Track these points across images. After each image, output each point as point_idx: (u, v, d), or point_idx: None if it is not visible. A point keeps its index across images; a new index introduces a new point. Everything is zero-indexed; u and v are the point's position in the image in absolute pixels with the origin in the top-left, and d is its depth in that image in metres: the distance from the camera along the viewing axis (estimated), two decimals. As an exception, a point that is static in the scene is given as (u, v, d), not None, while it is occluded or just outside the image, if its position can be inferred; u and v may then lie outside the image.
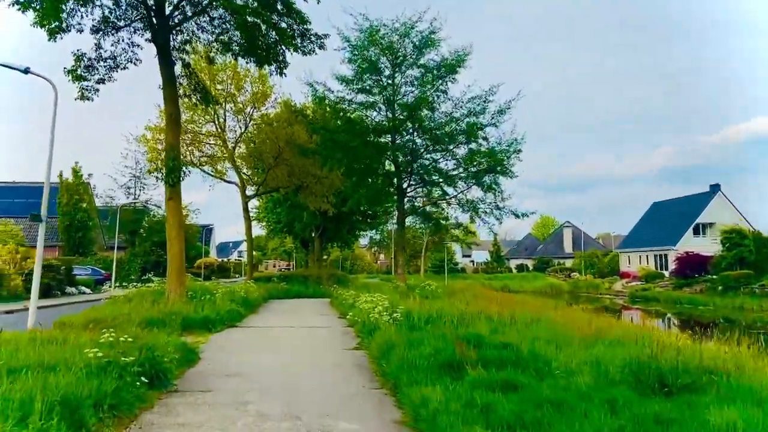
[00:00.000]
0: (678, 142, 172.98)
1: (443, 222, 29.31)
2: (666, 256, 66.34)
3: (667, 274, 62.63)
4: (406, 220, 31.34)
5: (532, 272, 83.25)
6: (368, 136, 27.84)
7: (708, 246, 63.91)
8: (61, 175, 47.71)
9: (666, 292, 54.30)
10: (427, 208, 29.75)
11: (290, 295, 32.24)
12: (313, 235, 44.77)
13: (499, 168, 26.47)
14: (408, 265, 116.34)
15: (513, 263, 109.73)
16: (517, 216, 27.92)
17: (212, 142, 32.65)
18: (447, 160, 27.95)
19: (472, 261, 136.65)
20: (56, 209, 47.45)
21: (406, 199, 28.37)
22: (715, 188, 66.87)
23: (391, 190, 28.86)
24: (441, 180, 27.82)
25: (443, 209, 28.32)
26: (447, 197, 28.07)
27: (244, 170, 33.79)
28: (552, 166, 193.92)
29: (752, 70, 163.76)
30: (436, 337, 9.95)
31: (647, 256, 70.50)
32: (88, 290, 35.47)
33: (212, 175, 33.67)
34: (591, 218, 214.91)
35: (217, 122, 31.84)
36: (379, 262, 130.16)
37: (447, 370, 7.85)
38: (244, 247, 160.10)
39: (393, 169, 28.72)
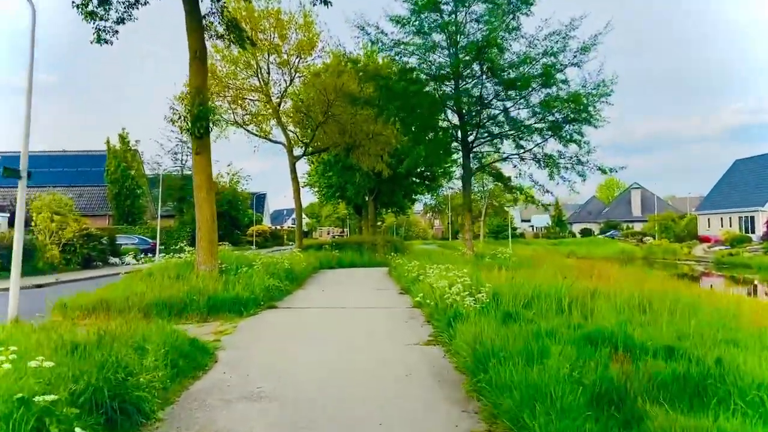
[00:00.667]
0: (744, 100, 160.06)
1: (517, 183, 25.50)
2: (752, 218, 60.11)
3: (755, 237, 56.64)
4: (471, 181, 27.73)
5: (601, 237, 77.95)
6: (427, 84, 24.21)
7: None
8: (108, 142, 46.32)
9: (758, 257, 48.78)
10: (498, 164, 26.00)
11: (343, 264, 29.45)
12: (366, 199, 41.66)
13: (583, 115, 22.39)
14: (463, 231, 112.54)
15: (576, 228, 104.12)
16: (603, 171, 23.82)
17: (255, 98, 29.72)
18: (519, 108, 24.01)
19: (532, 226, 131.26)
20: (104, 177, 46.19)
21: (471, 155, 24.70)
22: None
23: (454, 145, 25.25)
24: (513, 132, 23.96)
25: (515, 166, 24.51)
26: (520, 152, 24.22)
27: (291, 128, 30.83)
28: (614, 125, 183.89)
29: None
30: (558, 336, 6.62)
31: (729, 218, 64.26)
32: (133, 260, 33.77)
33: (257, 135, 30.90)
34: (655, 180, 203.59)
35: (260, 75, 28.79)
36: (435, 228, 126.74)
37: (606, 409, 4.53)
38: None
39: (456, 121, 25.02)
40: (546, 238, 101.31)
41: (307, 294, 16.84)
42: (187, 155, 46.45)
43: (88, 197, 47.48)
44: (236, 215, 53.45)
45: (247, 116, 30.24)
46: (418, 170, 37.22)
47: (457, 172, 26.87)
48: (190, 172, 47.43)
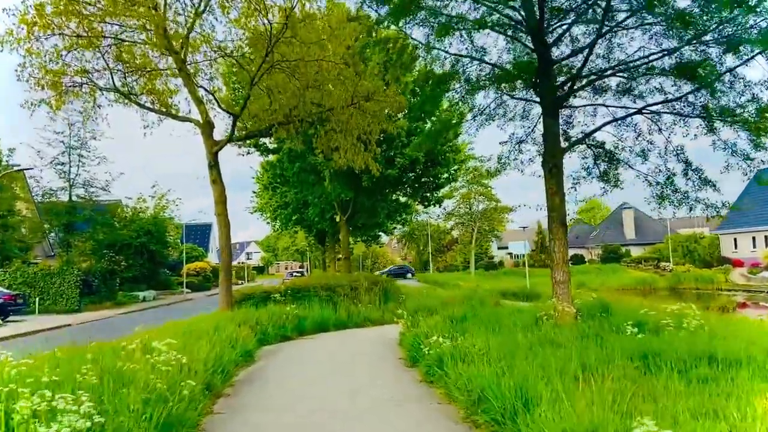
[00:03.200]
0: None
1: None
2: (803, 235, 49.96)
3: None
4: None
5: (608, 264, 66.92)
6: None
7: None
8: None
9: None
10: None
11: (306, 328, 16.60)
12: (336, 220, 28.78)
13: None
14: (434, 261, 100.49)
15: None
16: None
17: (141, 38, 16.74)
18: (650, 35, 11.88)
19: (510, 254, 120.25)
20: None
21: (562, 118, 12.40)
22: None
23: (522, 95, 12.89)
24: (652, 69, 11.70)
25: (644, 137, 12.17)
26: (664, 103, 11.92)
27: (204, 85, 17.81)
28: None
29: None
30: None
31: (765, 237, 54.14)
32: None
33: (151, 109, 17.91)
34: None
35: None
36: (405, 259, 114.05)
37: None
38: (253, 248, 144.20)
39: (530, 44, 12.60)
40: (531, 267, 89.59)
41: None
42: (78, 166, 32.81)
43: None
44: (157, 249, 39.71)
45: (131, 73, 17.28)
46: (423, 163, 24.67)
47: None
48: (82, 189, 33.60)
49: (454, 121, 13.69)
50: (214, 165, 16.90)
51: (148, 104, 18.04)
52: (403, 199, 30.61)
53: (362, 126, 17.19)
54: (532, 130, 13.66)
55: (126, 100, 17.81)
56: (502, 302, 24.48)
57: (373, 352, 12.61)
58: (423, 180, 27.48)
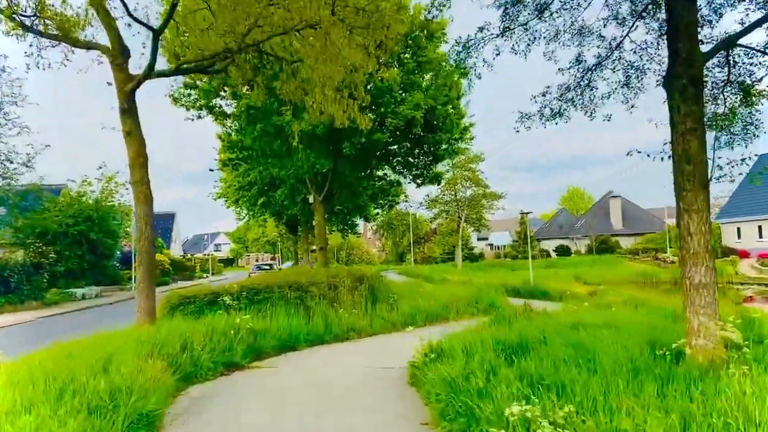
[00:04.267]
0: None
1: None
2: (816, 223, 46.16)
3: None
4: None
5: (603, 256, 62.80)
6: None
7: None
8: None
9: None
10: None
11: (264, 350, 11.36)
12: (310, 201, 23.22)
13: None
14: (414, 252, 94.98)
15: (545, 245, 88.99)
16: None
17: None
18: None
19: (491, 245, 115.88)
20: None
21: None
22: None
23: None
24: None
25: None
26: None
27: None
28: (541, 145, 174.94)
29: None
30: None
31: (775, 225, 50.37)
32: None
33: (43, 34, 12.36)
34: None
35: None
36: (382, 251, 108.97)
37: None
38: (222, 239, 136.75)
39: None
40: (512, 259, 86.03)
41: None
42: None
43: None
44: (99, 239, 33.86)
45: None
46: (421, 125, 19.32)
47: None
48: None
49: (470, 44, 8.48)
50: (127, 110, 11.42)
51: (39, 27, 12.41)
52: (391, 176, 25.26)
53: (346, 58, 11.85)
54: (620, 43, 8.59)
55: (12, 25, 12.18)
56: (510, 301, 19.58)
57: (372, 402, 7.44)
58: (417, 151, 22.18)
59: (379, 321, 15.06)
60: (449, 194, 55.47)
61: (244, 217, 40.60)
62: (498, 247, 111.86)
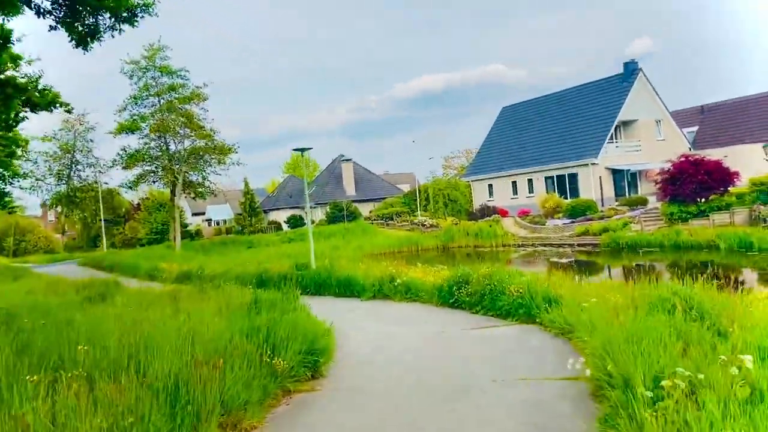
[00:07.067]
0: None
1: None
2: (575, 176, 43.15)
3: (602, 202, 39.16)
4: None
5: (353, 223, 53.27)
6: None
7: (628, 156, 42.85)
8: None
9: (662, 231, 30.31)
10: None
11: None
12: None
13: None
14: (108, 236, 73.55)
15: (276, 216, 77.21)
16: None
17: None
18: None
19: (209, 220, 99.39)
20: None
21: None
22: (632, 67, 44.12)
23: None
24: None
25: None
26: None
27: None
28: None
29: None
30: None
31: (529, 180, 46.65)
32: None
33: None
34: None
35: None
36: (65, 234, 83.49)
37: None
38: None
39: None
40: (238, 234, 72.76)
41: None
42: None
43: None
44: None
45: None
46: None
47: None
48: None
49: None
50: None
51: None
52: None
53: None
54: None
55: None
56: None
57: None
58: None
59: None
60: (156, 147, 38.60)
61: None
62: (217, 223, 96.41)
